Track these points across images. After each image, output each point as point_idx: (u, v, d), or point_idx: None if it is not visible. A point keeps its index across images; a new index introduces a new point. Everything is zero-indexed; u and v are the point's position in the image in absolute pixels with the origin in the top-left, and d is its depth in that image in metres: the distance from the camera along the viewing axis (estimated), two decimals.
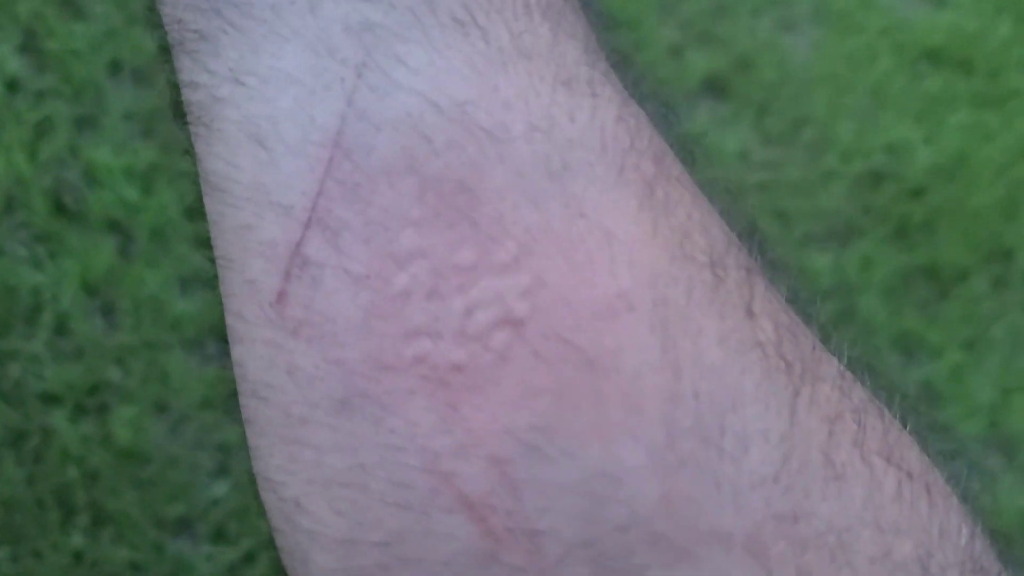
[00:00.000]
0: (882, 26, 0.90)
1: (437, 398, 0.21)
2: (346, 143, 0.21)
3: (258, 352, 0.22)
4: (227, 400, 0.76)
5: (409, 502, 0.21)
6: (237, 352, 0.22)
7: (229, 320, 0.22)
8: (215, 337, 0.78)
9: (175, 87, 0.23)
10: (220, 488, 0.74)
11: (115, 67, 0.87)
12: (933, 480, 0.23)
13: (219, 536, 0.74)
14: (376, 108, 0.21)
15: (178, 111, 0.23)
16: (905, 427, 0.24)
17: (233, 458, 0.74)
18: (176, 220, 0.81)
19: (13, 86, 0.83)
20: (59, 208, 0.81)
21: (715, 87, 0.90)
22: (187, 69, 0.23)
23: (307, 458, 0.21)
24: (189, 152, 0.23)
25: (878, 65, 0.91)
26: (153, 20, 0.23)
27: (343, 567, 0.21)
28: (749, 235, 0.24)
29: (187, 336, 0.78)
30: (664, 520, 0.20)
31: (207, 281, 0.79)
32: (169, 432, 0.76)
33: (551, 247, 0.21)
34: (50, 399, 0.76)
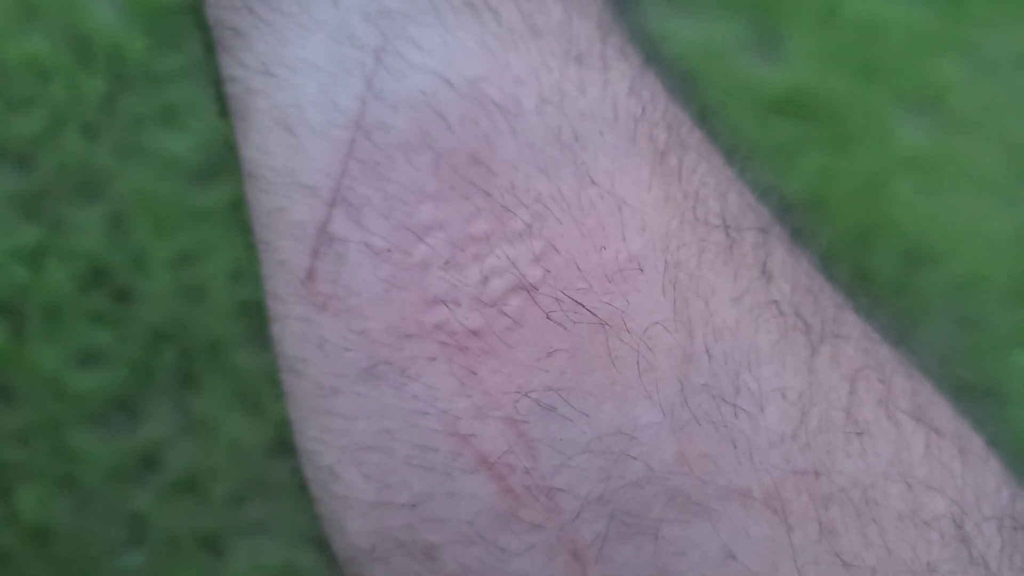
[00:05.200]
0: (729, 82, 1.01)
1: (456, 363, 0.22)
2: (366, 124, 0.23)
3: (292, 328, 0.24)
4: (136, 470, 0.78)
5: (432, 464, 0.22)
6: (275, 330, 0.25)
7: (268, 300, 0.25)
8: (119, 410, 0.81)
9: (219, 84, 0.25)
10: (134, 559, 0.75)
11: None
12: (969, 441, 0.24)
13: None
14: (393, 89, 0.23)
15: (222, 107, 0.25)
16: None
17: (146, 527, 0.76)
18: (70, 296, 0.83)
19: None
20: None
21: None
22: (226, 65, 0.25)
23: (338, 427, 0.23)
24: (230, 144, 0.25)
25: (729, 116, 1.02)
26: (199, 21, 0.26)
27: (374, 530, 0.23)
28: (772, 202, 0.25)
29: (89, 411, 0.80)
30: (680, 476, 0.21)
31: (106, 355, 0.81)
32: (77, 508, 0.78)
33: (562, 214, 0.22)
34: None
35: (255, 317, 0.84)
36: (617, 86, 0.24)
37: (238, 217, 0.89)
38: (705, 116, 0.26)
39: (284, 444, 0.78)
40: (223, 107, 0.25)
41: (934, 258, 1.02)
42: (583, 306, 0.22)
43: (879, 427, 0.22)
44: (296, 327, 0.24)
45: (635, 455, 0.21)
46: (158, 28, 0.96)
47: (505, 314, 0.22)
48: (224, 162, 0.91)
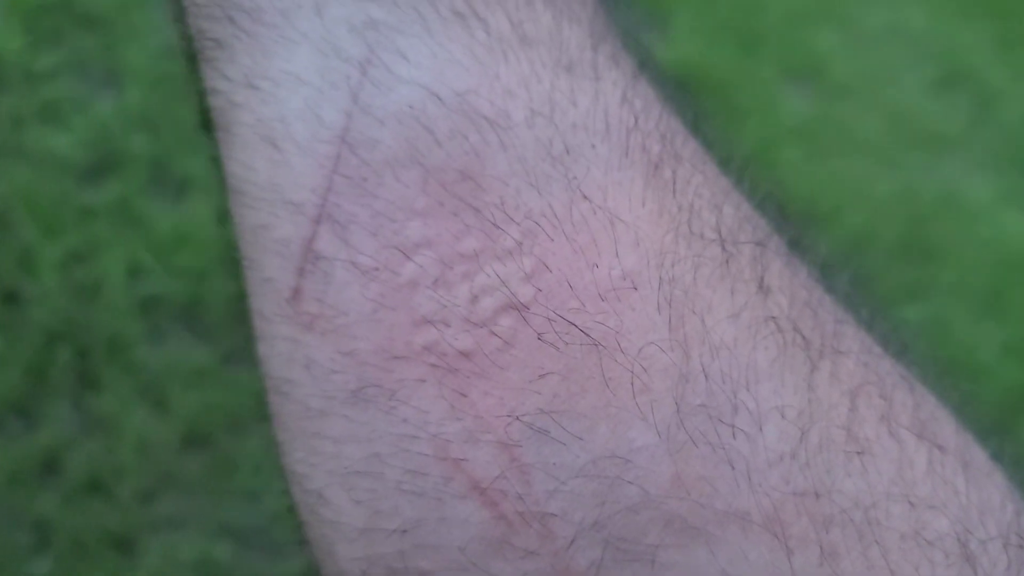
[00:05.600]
0: None
1: (446, 385, 0.21)
2: (352, 139, 0.22)
3: (278, 348, 0.23)
4: (37, 474, 0.75)
5: (423, 489, 0.21)
6: (261, 349, 0.24)
7: (253, 319, 0.24)
8: (14, 413, 0.78)
9: (202, 95, 0.24)
10: (41, 565, 0.73)
11: None
12: (972, 456, 0.23)
13: None
14: (380, 103, 0.22)
15: (205, 120, 0.25)
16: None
17: (52, 531, 0.74)
18: None
19: None
20: None
21: None
22: (209, 77, 0.24)
23: (327, 450, 0.22)
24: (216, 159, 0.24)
25: None
26: (182, 31, 0.25)
27: (365, 556, 0.22)
28: (770, 213, 0.24)
29: None
30: (677, 500, 0.20)
31: None
32: None
33: (553, 231, 0.21)
34: None
35: (155, 313, 0.83)
36: (609, 96, 0.23)
37: (131, 214, 0.87)
38: (700, 125, 0.25)
39: (193, 438, 0.77)
40: (206, 120, 0.24)
41: (824, 220, 1.07)
42: (576, 326, 0.21)
43: (880, 445, 0.22)
44: (282, 347, 0.23)
45: (630, 479, 0.20)
46: (35, 26, 0.93)
47: (496, 335, 0.21)
48: (111, 159, 0.89)
